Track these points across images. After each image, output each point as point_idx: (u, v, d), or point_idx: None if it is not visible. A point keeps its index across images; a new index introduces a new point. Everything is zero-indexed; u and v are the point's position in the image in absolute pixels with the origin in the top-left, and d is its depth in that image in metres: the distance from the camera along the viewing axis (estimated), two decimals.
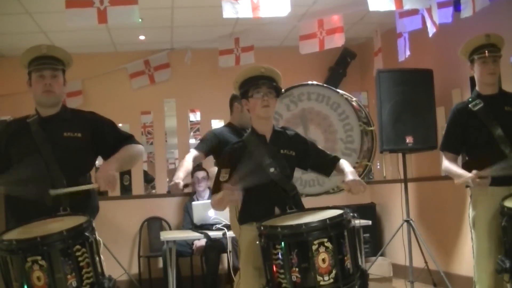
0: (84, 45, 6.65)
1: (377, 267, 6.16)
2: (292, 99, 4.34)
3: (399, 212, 5.76)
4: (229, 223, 5.08)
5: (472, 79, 3.74)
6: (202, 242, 6.01)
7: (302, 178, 4.28)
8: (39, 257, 2.41)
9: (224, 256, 6.39)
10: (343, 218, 2.71)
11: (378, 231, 6.93)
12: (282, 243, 2.66)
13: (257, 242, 2.77)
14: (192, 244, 6.21)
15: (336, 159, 3.16)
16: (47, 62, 2.89)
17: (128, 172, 7.30)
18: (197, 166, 7.37)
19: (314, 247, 2.61)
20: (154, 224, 6.93)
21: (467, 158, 3.66)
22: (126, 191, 7.37)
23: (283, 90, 4.36)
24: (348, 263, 2.68)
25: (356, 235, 2.80)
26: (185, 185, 4.02)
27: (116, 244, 6.44)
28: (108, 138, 3.01)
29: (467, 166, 3.49)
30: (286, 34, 6.80)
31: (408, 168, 5.75)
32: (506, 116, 3.45)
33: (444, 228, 5.89)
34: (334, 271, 2.62)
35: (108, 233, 5.71)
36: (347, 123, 4.25)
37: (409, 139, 5.40)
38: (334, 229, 2.65)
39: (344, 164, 3.12)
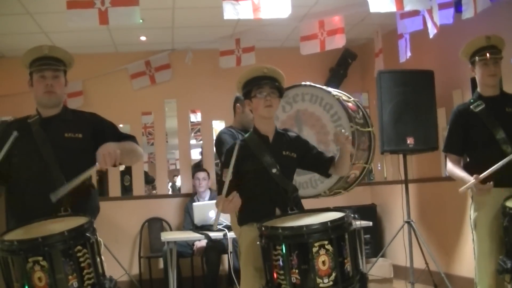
0: (85, 45, 6.65)
1: (377, 268, 6.15)
2: (287, 100, 4.32)
3: (399, 213, 5.76)
4: (229, 224, 5.09)
5: (473, 80, 3.75)
6: (203, 242, 6.01)
7: (296, 180, 4.24)
8: (40, 258, 2.41)
9: (225, 257, 6.39)
10: (345, 221, 2.72)
11: (379, 232, 6.93)
12: (283, 244, 2.66)
13: (258, 243, 2.78)
14: (193, 244, 6.21)
15: (333, 158, 3.20)
16: (49, 62, 2.89)
17: (129, 173, 7.31)
18: (198, 167, 7.40)
19: (314, 249, 2.61)
20: (154, 225, 6.93)
21: (468, 160, 3.66)
22: (126, 191, 7.37)
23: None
24: (348, 266, 2.68)
25: (356, 237, 2.80)
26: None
27: (117, 245, 6.45)
28: (108, 139, 3.01)
29: (468, 168, 3.49)
30: (287, 35, 6.80)
31: (408, 169, 5.75)
32: (507, 117, 3.46)
33: (444, 229, 5.88)
34: (334, 274, 2.62)
35: (109, 234, 5.74)
36: (339, 124, 4.21)
37: (410, 140, 5.40)
38: (335, 232, 2.65)
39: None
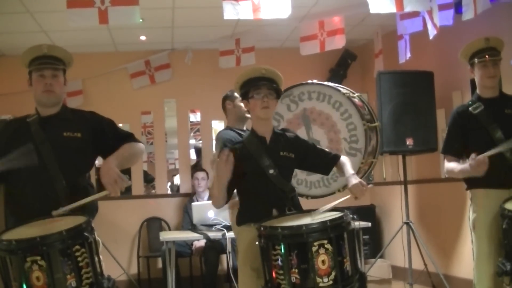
0: (84, 44, 6.65)
1: (376, 269, 6.16)
2: (292, 98, 4.30)
3: (398, 214, 5.76)
4: (228, 224, 5.10)
5: (472, 82, 3.74)
6: (202, 242, 6.01)
7: (307, 180, 4.23)
8: (38, 257, 2.41)
9: (224, 256, 6.39)
10: (343, 220, 2.72)
11: (378, 233, 6.93)
12: (282, 244, 2.66)
13: (257, 243, 2.77)
14: (192, 244, 6.21)
15: (337, 157, 3.17)
16: (48, 61, 2.88)
17: (128, 172, 7.29)
18: (197, 167, 7.40)
19: (314, 249, 2.62)
20: (153, 224, 6.93)
21: (467, 161, 3.65)
22: (126, 191, 7.36)
23: (282, 90, 4.34)
24: (348, 265, 2.69)
25: (355, 237, 2.80)
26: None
27: (116, 244, 6.45)
28: (108, 137, 3.01)
29: None
30: (287, 35, 6.80)
31: (408, 170, 5.75)
32: (506, 119, 3.46)
33: (443, 230, 5.88)
34: (333, 273, 2.62)
35: (107, 233, 5.74)
36: (350, 122, 4.18)
37: (409, 141, 5.40)
38: (334, 231, 2.66)
39: (345, 163, 3.13)
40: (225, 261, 6.47)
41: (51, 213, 2.69)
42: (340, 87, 4.48)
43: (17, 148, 2.81)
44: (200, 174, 6.58)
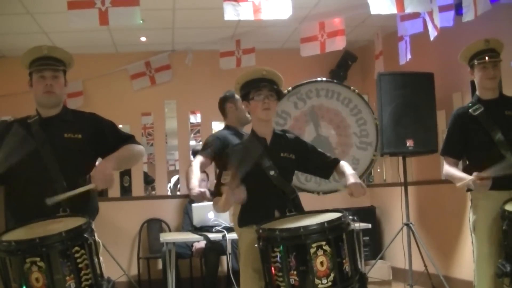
0: (85, 46, 6.65)
1: (376, 271, 6.15)
2: (299, 96, 4.30)
3: (399, 215, 5.76)
4: (228, 225, 5.10)
5: (473, 83, 3.74)
6: (202, 244, 6.00)
7: (312, 177, 4.20)
8: (38, 258, 2.40)
9: (224, 258, 6.39)
10: (342, 221, 2.71)
11: (378, 234, 6.93)
12: (281, 246, 2.66)
13: (256, 245, 2.77)
14: (192, 246, 6.21)
15: (336, 161, 3.16)
16: (48, 63, 2.88)
17: (128, 174, 7.30)
18: None
19: (312, 250, 2.61)
20: (153, 226, 6.93)
21: (467, 163, 3.66)
22: (126, 192, 7.37)
23: (290, 88, 4.34)
24: (347, 267, 2.68)
25: (355, 238, 2.79)
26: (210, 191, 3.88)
27: (116, 245, 6.44)
28: (108, 139, 3.01)
29: (467, 171, 3.48)
30: (287, 37, 6.80)
31: (408, 171, 5.75)
32: (506, 121, 3.45)
33: (444, 231, 5.88)
34: (332, 275, 2.62)
35: (107, 234, 5.73)
36: (360, 117, 4.20)
37: (409, 143, 5.39)
38: (333, 232, 2.65)
39: (345, 166, 3.12)
40: (225, 262, 6.46)
41: (45, 201, 2.67)
42: (350, 86, 4.49)
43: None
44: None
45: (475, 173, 3.28)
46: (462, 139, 3.54)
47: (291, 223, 2.78)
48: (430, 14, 4.73)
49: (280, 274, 2.67)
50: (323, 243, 2.62)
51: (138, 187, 7.18)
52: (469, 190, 3.54)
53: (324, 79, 4.37)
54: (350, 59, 7.27)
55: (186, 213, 6.38)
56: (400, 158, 5.68)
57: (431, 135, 5.45)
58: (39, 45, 2.92)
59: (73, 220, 2.64)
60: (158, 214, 6.99)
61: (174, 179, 8.32)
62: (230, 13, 4.49)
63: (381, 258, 6.21)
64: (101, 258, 2.67)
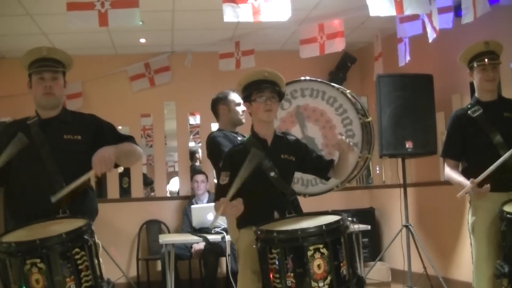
0: (84, 47, 6.65)
1: (375, 272, 6.15)
2: (285, 97, 4.27)
3: (398, 217, 5.76)
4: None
5: (472, 85, 3.75)
6: (201, 245, 6.00)
7: (303, 178, 4.18)
8: (38, 260, 2.41)
9: (223, 259, 6.38)
10: (340, 224, 2.71)
11: (377, 235, 6.93)
12: (278, 247, 2.67)
13: (254, 246, 2.78)
14: (191, 247, 6.20)
15: (332, 161, 3.21)
16: (48, 64, 2.89)
17: (127, 175, 7.30)
18: (197, 170, 7.40)
19: (309, 253, 2.62)
20: (153, 227, 6.92)
21: (466, 164, 3.66)
22: (125, 193, 7.37)
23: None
24: (344, 270, 2.68)
25: (354, 241, 2.80)
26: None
27: (115, 247, 6.44)
28: (108, 141, 3.01)
29: (466, 172, 3.50)
30: (287, 38, 6.80)
31: (407, 173, 5.75)
32: (505, 122, 3.46)
33: (443, 233, 5.88)
34: (329, 277, 2.62)
35: (107, 236, 5.71)
36: (345, 117, 4.15)
37: (408, 144, 5.40)
38: (330, 235, 2.66)
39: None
40: (224, 264, 6.46)
41: (50, 199, 2.68)
42: (334, 84, 4.44)
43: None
44: (199, 177, 6.58)
45: (471, 180, 3.29)
46: (462, 141, 3.55)
47: (290, 225, 2.78)
48: (429, 16, 4.73)
49: (278, 276, 2.68)
50: (321, 246, 2.63)
51: (137, 188, 7.18)
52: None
53: (307, 78, 4.30)
54: (350, 61, 7.27)
55: (185, 214, 6.38)
56: (399, 160, 5.68)
57: (430, 137, 5.46)
58: (38, 46, 2.93)
59: (73, 221, 2.64)
60: (157, 215, 6.98)
61: (173, 181, 8.33)
62: (230, 15, 4.49)
63: (380, 260, 6.21)
64: (100, 259, 2.67)
